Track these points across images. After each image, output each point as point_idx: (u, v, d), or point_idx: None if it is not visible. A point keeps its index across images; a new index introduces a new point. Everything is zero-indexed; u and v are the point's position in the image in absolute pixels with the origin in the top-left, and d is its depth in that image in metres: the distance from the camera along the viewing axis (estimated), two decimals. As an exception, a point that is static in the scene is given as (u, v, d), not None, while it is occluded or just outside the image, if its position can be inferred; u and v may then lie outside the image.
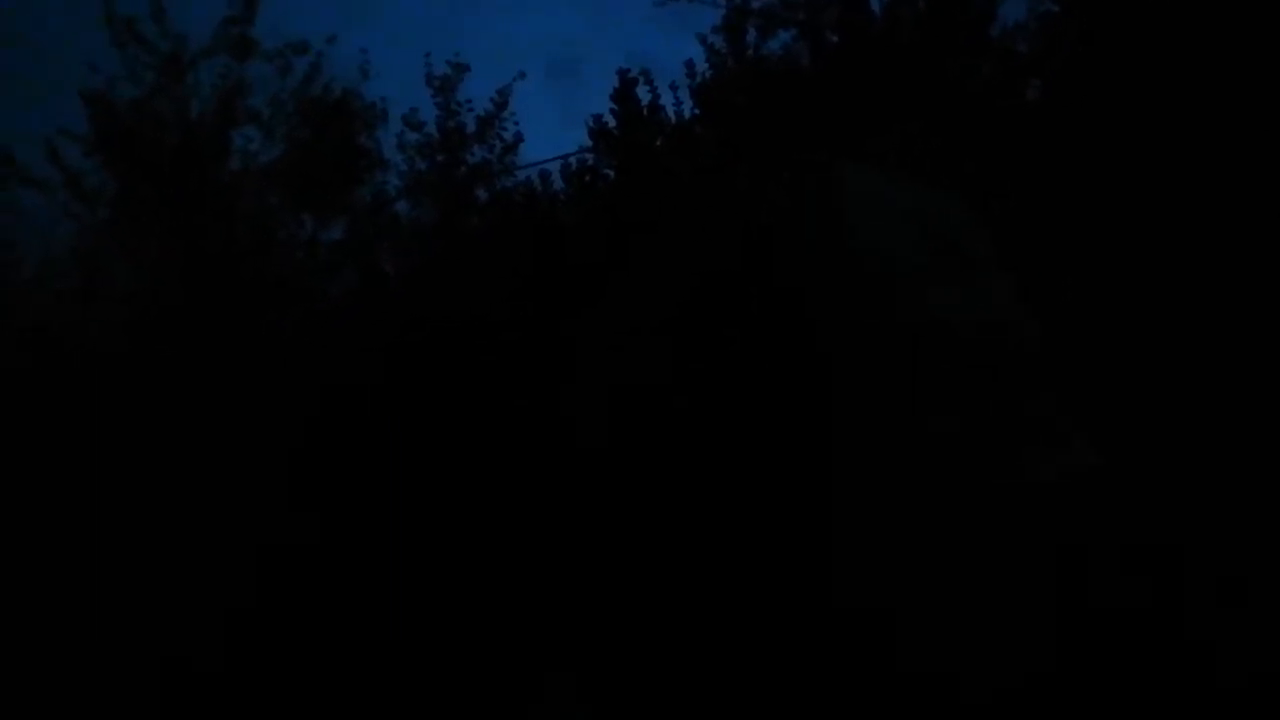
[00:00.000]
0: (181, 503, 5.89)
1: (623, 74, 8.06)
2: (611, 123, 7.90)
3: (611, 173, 7.73)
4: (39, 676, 5.14)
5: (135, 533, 5.82)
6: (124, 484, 6.34)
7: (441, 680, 4.06)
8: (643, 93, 8.36)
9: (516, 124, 7.88)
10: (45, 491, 6.28)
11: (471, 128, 7.74)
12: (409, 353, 6.44)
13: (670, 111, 8.43)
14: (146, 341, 7.58)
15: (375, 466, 5.63)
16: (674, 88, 8.42)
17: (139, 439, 6.61)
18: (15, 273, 8.30)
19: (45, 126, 7.86)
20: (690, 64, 8.51)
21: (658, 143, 8.13)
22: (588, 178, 7.67)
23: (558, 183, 8.53)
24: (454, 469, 5.35)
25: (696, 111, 8.36)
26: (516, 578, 3.74)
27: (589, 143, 8.05)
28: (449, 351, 6.32)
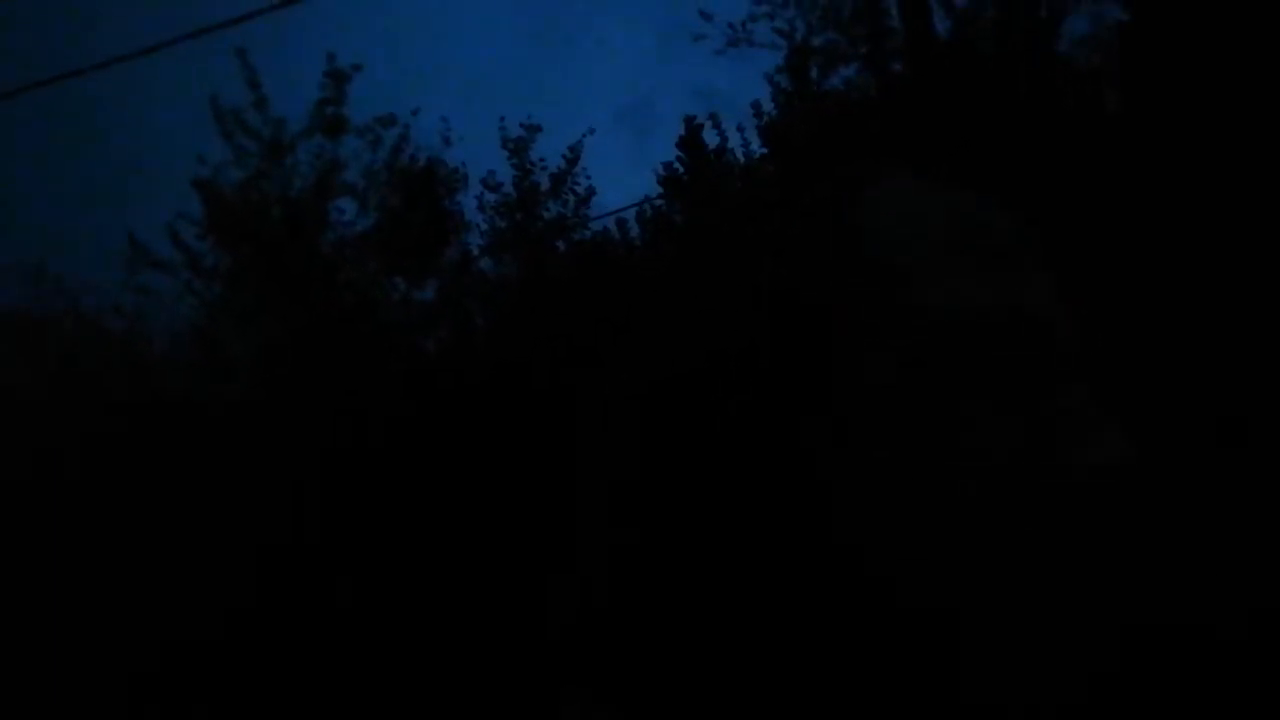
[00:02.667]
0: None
1: (688, 121, 8.34)
2: (680, 169, 8.17)
3: (680, 218, 7.99)
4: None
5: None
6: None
7: (458, 692, 4.29)
8: (711, 136, 8.63)
9: (589, 178, 8.25)
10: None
11: (546, 185, 8.15)
12: (488, 395, 6.82)
13: (739, 153, 8.66)
14: (263, 402, 8.21)
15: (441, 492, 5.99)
16: (740, 129, 8.65)
17: (258, 484, 7.18)
18: (148, 348, 9.13)
19: (167, 214, 8.64)
20: (757, 104, 8.72)
21: (728, 185, 8.35)
22: (660, 224, 7.93)
23: (635, 229, 8.87)
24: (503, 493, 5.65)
25: (764, 151, 8.55)
26: (534, 586, 3.97)
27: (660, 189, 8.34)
28: (519, 393, 6.67)
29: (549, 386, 6.94)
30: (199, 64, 8.52)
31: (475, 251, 8.24)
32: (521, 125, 8.25)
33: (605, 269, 7.94)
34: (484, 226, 8.32)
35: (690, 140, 8.12)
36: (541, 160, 8.18)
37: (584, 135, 8.27)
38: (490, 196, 8.29)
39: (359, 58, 8.65)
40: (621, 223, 8.81)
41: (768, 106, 8.56)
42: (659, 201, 8.38)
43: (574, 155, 8.21)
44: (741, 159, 8.60)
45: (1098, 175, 7.06)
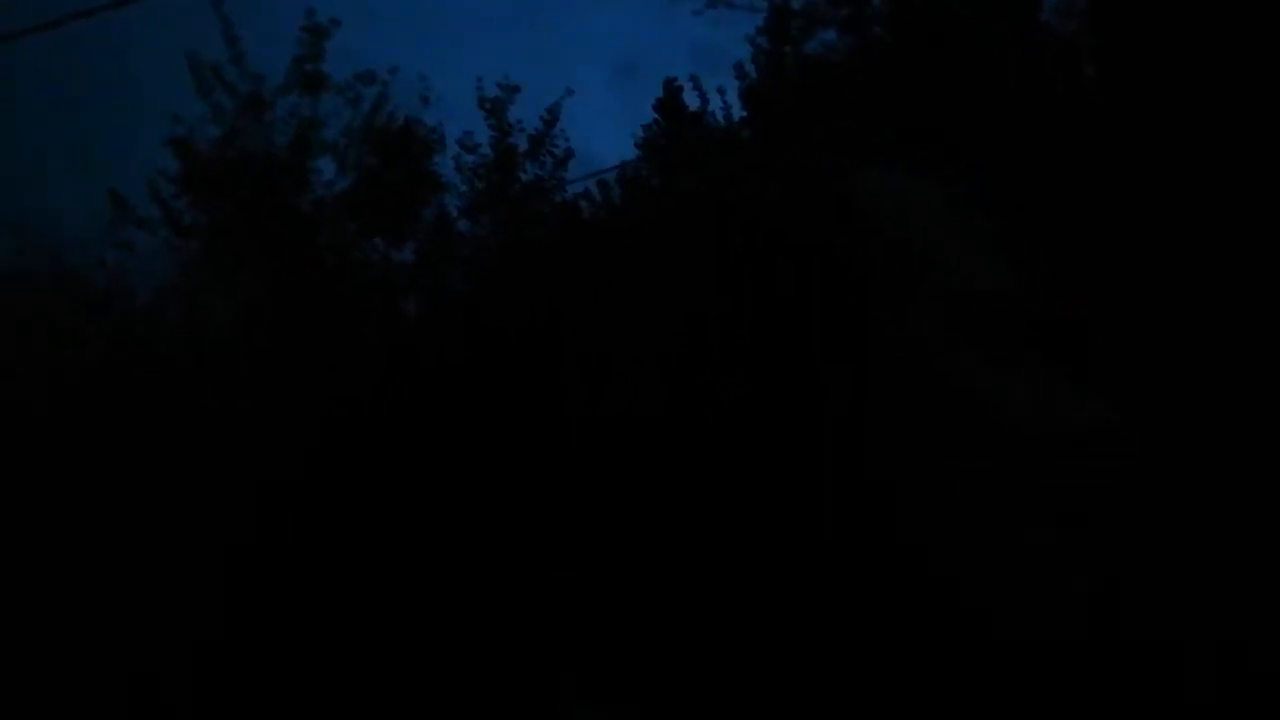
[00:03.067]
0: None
1: (668, 83, 8.32)
2: (658, 132, 8.17)
3: (656, 181, 8.00)
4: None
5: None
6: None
7: (449, 684, 4.40)
8: (693, 98, 8.61)
9: (567, 139, 8.23)
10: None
11: (524, 147, 8.14)
12: (467, 357, 6.88)
13: (719, 116, 8.65)
14: (242, 357, 8.26)
15: (415, 467, 6.04)
16: (721, 92, 8.64)
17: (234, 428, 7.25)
18: (131, 302, 9.15)
19: (149, 170, 8.62)
20: (739, 66, 8.69)
21: (708, 148, 8.35)
22: (637, 187, 7.95)
23: (617, 191, 8.87)
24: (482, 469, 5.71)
25: (744, 114, 8.55)
26: (524, 579, 4.06)
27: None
28: (503, 357, 6.72)
29: (529, 352, 7.00)
30: (177, 19, 8.43)
31: (454, 213, 8.25)
32: (499, 86, 8.23)
33: (584, 231, 7.96)
34: (463, 188, 8.33)
35: (668, 103, 8.11)
36: (519, 122, 8.17)
37: (562, 96, 8.25)
38: (468, 158, 8.29)
39: (338, 12, 8.59)
40: (604, 184, 8.82)
41: (750, 69, 8.54)
42: (642, 165, 8.39)
43: (552, 117, 8.20)
44: (723, 122, 8.60)
45: (1074, 142, 7.08)
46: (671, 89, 8.23)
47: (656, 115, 8.08)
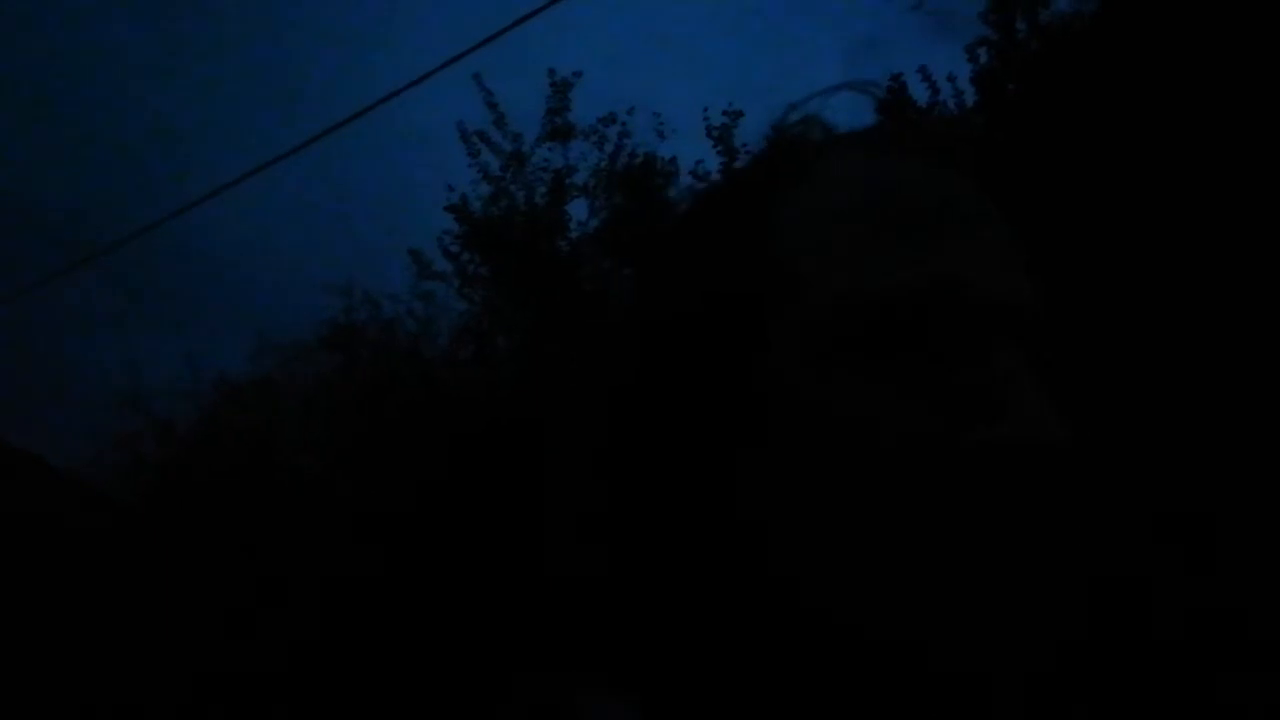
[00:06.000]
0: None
1: (893, 81, 8.18)
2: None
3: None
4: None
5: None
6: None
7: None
8: (922, 91, 8.39)
9: (795, 153, 8.32)
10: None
11: (751, 169, 8.39)
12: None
13: (951, 105, 8.37)
14: (527, 390, 9.29)
15: None
16: (952, 79, 8.36)
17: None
18: (433, 345, 10.59)
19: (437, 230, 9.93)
20: (970, 49, 8.34)
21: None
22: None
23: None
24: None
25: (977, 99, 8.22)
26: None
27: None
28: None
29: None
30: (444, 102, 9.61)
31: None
32: (724, 113, 8.56)
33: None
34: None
35: (892, 103, 7.98)
36: (745, 145, 8.44)
37: (786, 112, 8.37)
38: (700, 186, 8.69)
39: (577, 53, 9.34)
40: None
41: (980, 53, 8.19)
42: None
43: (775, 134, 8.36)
44: (955, 110, 8.32)
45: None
46: (896, 87, 8.08)
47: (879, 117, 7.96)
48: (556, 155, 9.40)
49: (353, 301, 11.03)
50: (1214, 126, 5.85)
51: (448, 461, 8.51)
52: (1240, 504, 3.62)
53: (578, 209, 9.44)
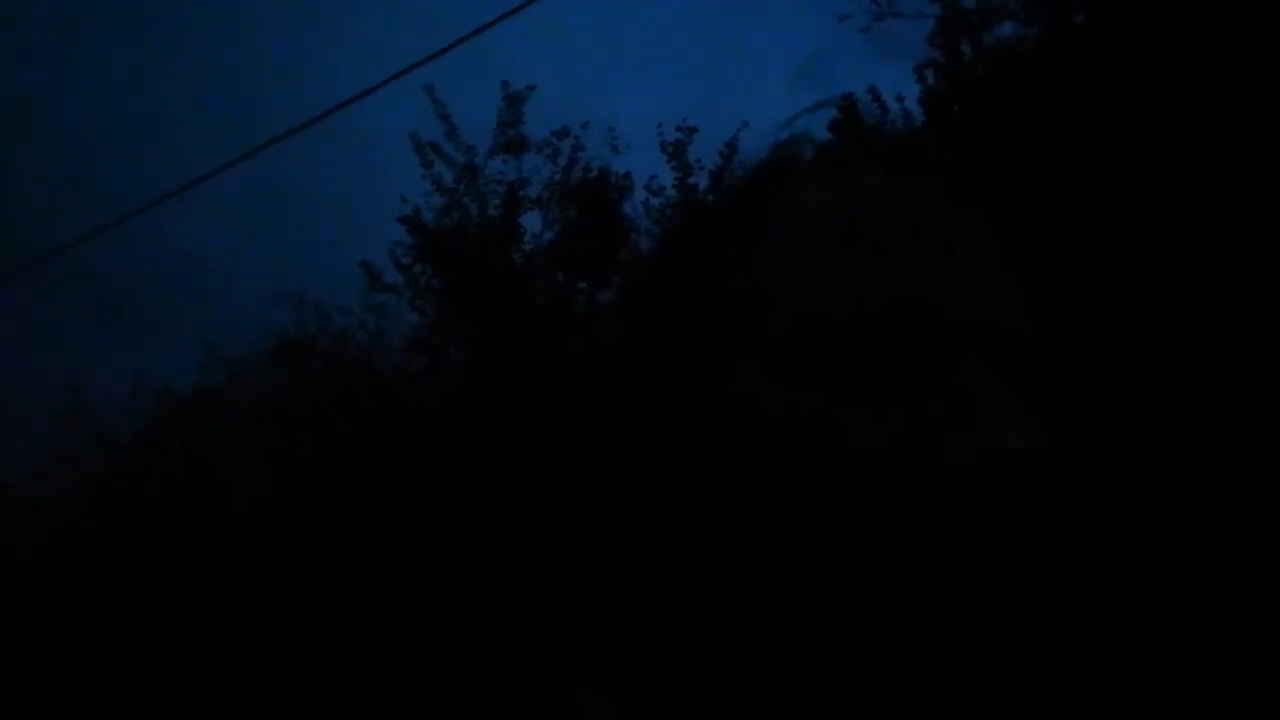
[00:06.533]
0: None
1: (844, 100, 8.34)
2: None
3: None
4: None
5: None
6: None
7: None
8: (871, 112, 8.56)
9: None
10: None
11: (705, 184, 8.49)
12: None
13: (899, 124, 8.54)
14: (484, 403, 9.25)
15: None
16: (900, 99, 8.53)
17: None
18: (385, 358, 10.50)
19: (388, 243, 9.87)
20: (918, 69, 8.53)
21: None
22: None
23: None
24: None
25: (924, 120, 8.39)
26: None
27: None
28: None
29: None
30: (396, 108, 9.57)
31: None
32: (678, 129, 8.65)
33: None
34: (653, 229, 8.81)
35: (844, 124, 8.12)
36: (698, 161, 8.55)
37: (738, 129, 8.52)
38: (655, 200, 8.78)
39: (528, 61, 9.36)
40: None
41: (928, 75, 8.38)
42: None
43: (730, 151, 8.48)
44: (902, 129, 8.48)
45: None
46: (847, 106, 8.24)
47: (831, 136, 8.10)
48: (510, 167, 9.42)
49: (303, 314, 10.93)
50: (1153, 148, 6.04)
51: (407, 473, 8.45)
52: (1235, 509, 3.72)
53: (531, 221, 9.45)
